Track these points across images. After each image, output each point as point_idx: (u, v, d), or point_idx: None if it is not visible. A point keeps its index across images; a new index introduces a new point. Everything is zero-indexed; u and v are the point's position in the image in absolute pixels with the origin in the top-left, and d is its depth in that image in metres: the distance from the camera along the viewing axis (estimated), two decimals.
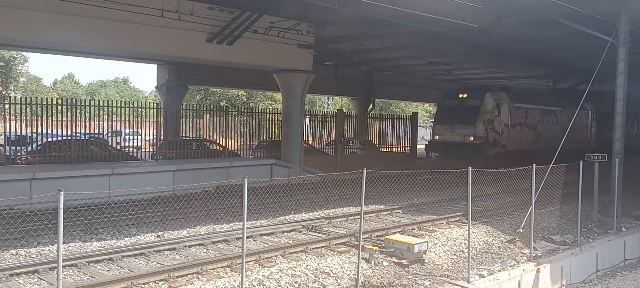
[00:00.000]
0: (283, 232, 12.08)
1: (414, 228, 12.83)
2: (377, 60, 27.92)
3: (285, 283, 9.01)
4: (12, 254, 9.58)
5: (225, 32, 17.65)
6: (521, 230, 13.16)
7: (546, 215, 15.45)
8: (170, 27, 15.99)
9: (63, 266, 7.58)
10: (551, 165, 13.97)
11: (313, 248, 10.69)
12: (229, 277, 8.84)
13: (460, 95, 27.36)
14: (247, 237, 9.81)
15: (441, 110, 28.82)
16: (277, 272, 9.27)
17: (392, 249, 10.79)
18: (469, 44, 20.69)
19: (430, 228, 13.00)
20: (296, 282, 9.10)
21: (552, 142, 28.42)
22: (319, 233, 12.15)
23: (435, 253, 11.38)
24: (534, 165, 11.95)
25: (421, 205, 15.71)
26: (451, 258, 11.41)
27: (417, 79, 34.72)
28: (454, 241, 12.23)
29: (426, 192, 16.81)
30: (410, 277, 10.09)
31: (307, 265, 9.73)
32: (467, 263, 10.61)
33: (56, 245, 9.69)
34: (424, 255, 10.82)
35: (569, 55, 23.63)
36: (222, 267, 9.22)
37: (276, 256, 10.06)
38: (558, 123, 31.24)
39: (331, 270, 9.74)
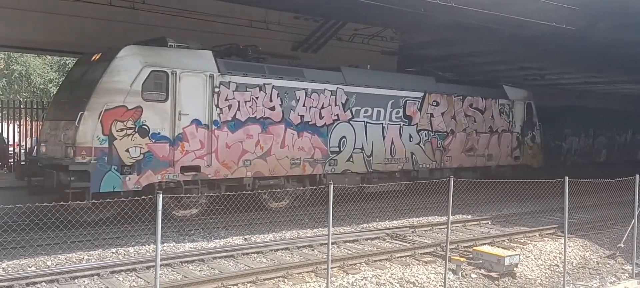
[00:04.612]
0: (366, 239, 12.02)
1: (504, 240, 12.33)
2: (464, 66, 27.17)
3: None
4: (113, 253, 10.19)
5: (310, 40, 17.98)
6: (622, 245, 12.31)
7: None
8: (257, 36, 16.49)
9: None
10: None
11: (397, 257, 10.56)
12: (314, 282, 8.92)
13: (94, 57, 12.51)
14: (331, 243, 9.84)
15: (58, 93, 14.33)
16: (362, 280, 9.23)
17: (480, 261, 10.43)
18: (563, 47, 19.65)
19: (522, 241, 12.44)
20: None
21: (386, 158, 16.00)
22: (403, 242, 11.99)
23: (528, 267, 10.86)
24: (638, 176, 11.13)
25: (511, 216, 15.08)
26: (545, 273, 10.85)
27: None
28: (548, 255, 11.63)
29: (517, 203, 16.12)
30: None
31: (391, 274, 9.61)
32: (562, 279, 10.06)
33: (153, 245, 10.24)
34: (515, 269, 10.35)
35: None
36: (307, 272, 9.32)
37: (360, 263, 10.02)
38: (413, 121, 16.68)
39: (417, 280, 9.56)
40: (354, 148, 15.28)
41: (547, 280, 10.56)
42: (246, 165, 13.26)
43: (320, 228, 12.67)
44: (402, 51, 20.86)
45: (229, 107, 13.00)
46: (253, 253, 10.40)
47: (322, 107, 14.64)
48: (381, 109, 15.84)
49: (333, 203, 8.03)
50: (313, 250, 10.94)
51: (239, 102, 13.13)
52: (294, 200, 14.65)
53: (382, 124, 15.91)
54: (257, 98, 13.38)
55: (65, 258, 9.63)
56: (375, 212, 14.80)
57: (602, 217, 15.16)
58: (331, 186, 8.03)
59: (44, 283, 8.26)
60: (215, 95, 12.70)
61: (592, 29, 16.24)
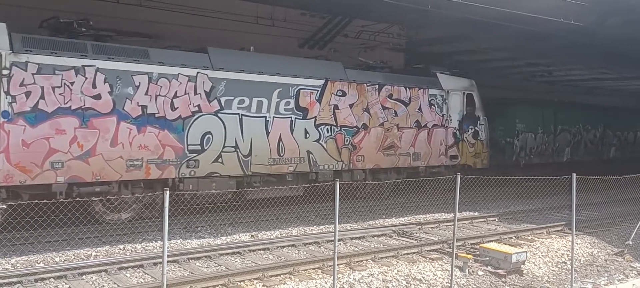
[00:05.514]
0: (373, 236, 12.03)
1: (511, 237, 12.29)
2: (471, 62, 27.03)
3: (376, 287, 8.96)
4: (120, 249, 10.24)
5: (316, 37, 17.95)
6: (630, 243, 12.25)
7: None
8: (264, 33, 16.48)
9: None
10: None
11: (404, 254, 10.55)
12: (321, 278, 8.92)
13: None
14: (338, 240, 9.86)
15: None
16: (368, 276, 9.23)
17: (487, 258, 10.39)
18: (572, 44, 19.53)
19: (529, 238, 12.40)
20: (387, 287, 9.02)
21: (271, 158, 13.29)
22: (409, 239, 11.98)
23: (535, 264, 10.82)
24: None
25: (518, 213, 15.03)
26: (552, 270, 10.80)
27: (513, 80, 33.15)
28: (556, 252, 11.57)
29: (524, 200, 16.06)
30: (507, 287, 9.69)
31: (398, 271, 9.60)
32: (570, 276, 10.01)
33: (160, 242, 10.28)
34: (522, 266, 10.31)
35: None
36: (313, 269, 9.34)
37: (367, 260, 10.03)
38: (309, 115, 14.01)
39: (423, 277, 9.54)
40: (224, 147, 12.52)
41: (554, 277, 10.50)
42: (56, 168, 10.44)
43: (327, 225, 12.68)
44: (408, 47, 20.80)
45: (27, 94, 10.19)
46: (259, 249, 10.42)
47: (176, 96, 11.85)
48: (263, 99, 13.09)
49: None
50: (319, 246, 10.95)
51: (43, 88, 10.34)
52: (144, 209, 11.97)
53: (266, 116, 13.14)
54: (72, 83, 10.62)
55: (73, 255, 9.69)
56: (382, 209, 14.78)
57: (610, 214, 15.08)
58: (337, 183, 8.00)
59: (52, 279, 8.31)
60: (5, 80, 9.95)
61: (600, 26, 16.12)
